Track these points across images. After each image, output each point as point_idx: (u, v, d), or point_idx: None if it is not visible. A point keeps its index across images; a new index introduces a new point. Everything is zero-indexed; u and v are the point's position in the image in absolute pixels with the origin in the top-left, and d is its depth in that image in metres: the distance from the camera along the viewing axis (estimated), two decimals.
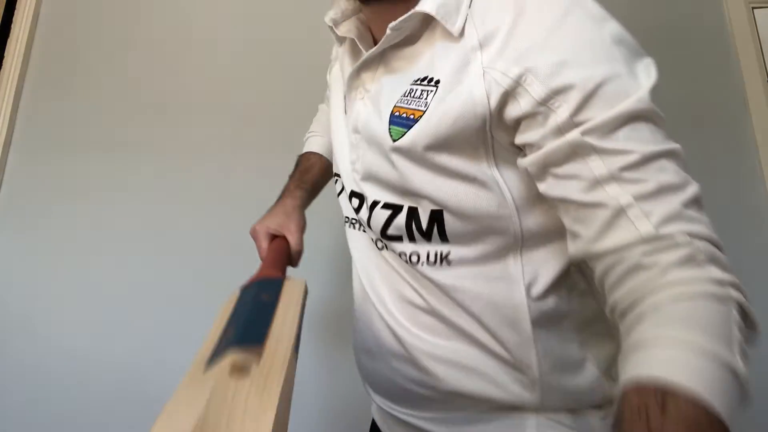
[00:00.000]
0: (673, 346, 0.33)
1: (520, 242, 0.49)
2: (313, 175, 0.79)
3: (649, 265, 0.37)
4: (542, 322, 0.50)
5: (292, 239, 0.68)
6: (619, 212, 0.38)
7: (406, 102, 0.50)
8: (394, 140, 0.49)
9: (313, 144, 0.83)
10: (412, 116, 0.48)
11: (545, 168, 0.43)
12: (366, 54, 0.55)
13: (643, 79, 0.41)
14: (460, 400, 0.53)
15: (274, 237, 0.69)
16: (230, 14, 1.36)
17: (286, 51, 1.31)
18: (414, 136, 0.48)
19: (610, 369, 0.52)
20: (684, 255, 0.37)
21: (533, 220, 0.48)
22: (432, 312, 0.53)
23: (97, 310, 1.18)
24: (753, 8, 1.36)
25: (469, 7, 0.48)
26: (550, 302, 0.50)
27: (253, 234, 0.71)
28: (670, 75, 1.33)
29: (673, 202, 0.39)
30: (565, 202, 0.42)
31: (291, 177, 0.80)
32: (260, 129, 1.27)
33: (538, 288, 0.49)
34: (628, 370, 0.34)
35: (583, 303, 0.52)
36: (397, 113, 0.50)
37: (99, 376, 1.14)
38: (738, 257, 1.37)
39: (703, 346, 0.32)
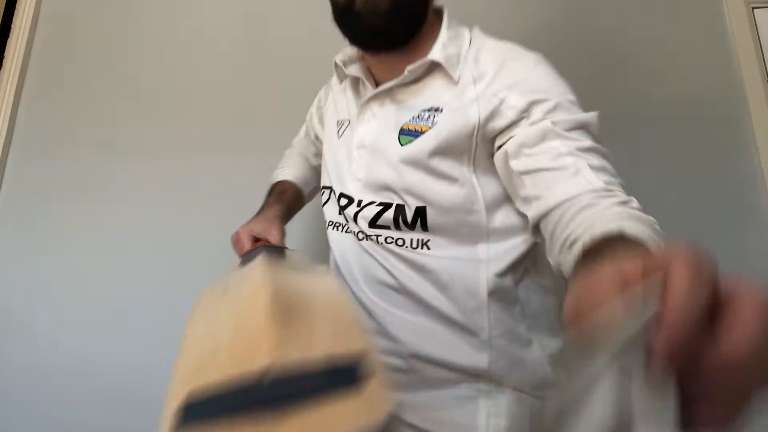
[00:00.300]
0: (615, 219, 0.45)
1: (487, 235, 0.62)
2: (289, 197, 0.88)
3: (597, 204, 0.48)
4: (497, 295, 0.62)
5: (275, 242, 0.73)
6: (577, 172, 0.52)
7: (414, 122, 0.65)
8: (402, 146, 0.64)
9: (286, 174, 0.93)
10: (420, 130, 0.64)
11: (520, 148, 0.57)
12: (378, 88, 0.69)
13: (582, 110, 0.59)
14: (421, 365, 0.62)
15: (257, 240, 0.74)
16: (230, 14, 1.36)
17: (286, 51, 1.31)
18: (420, 143, 0.63)
19: (551, 357, 0.64)
20: (622, 200, 0.49)
21: (498, 218, 0.63)
22: (402, 290, 0.64)
23: (97, 310, 1.18)
24: (753, 8, 1.36)
25: (465, 56, 0.66)
26: (507, 282, 0.63)
27: (235, 237, 0.76)
28: (669, 75, 1.34)
29: (613, 176, 0.53)
30: (533, 172, 0.55)
31: (268, 196, 0.87)
32: (260, 129, 1.27)
33: (497, 267, 0.62)
34: (582, 239, 0.44)
35: (533, 297, 0.66)
36: (406, 128, 0.65)
37: (99, 376, 1.14)
38: (738, 257, 1.38)
39: (639, 216, 0.46)
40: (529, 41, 1.34)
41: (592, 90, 1.33)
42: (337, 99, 0.80)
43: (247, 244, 0.73)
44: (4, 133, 1.26)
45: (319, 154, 0.90)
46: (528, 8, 1.37)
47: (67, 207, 1.23)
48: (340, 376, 0.26)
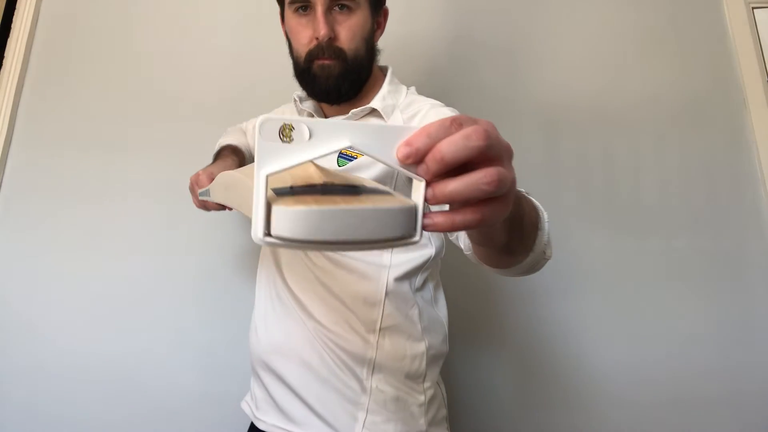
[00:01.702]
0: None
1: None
2: (242, 156, 0.92)
3: None
4: (393, 296, 0.74)
5: None
6: None
7: (351, 149, 0.69)
8: (339, 166, 0.75)
9: (231, 140, 0.98)
10: (355, 157, 0.75)
11: None
12: None
13: None
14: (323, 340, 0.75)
15: None
16: (231, 14, 1.36)
17: (286, 52, 1.31)
18: (353, 164, 0.74)
19: (436, 360, 0.78)
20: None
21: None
22: (322, 285, 0.76)
23: (97, 310, 1.18)
24: (753, 8, 1.36)
25: (399, 106, 0.80)
26: (404, 287, 0.75)
27: (195, 177, 0.78)
28: (670, 75, 1.34)
29: None
30: None
31: (221, 150, 0.92)
32: None
33: (397, 272, 0.74)
34: None
35: (428, 306, 0.79)
36: (344, 153, 0.74)
37: (99, 375, 1.14)
38: (738, 257, 1.37)
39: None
40: (528, 41, 1.35)
41: (592, 90, 1.33)
42: None
43: (206, 183, 0.75)
44: (4, 132, 1.26)
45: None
46: (529, 6, 1.37)
47: (67, 207, 1.23)
48: (375, 190, 0.33)
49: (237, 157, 0.90)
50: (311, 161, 0.31)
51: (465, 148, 0.29)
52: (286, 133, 0.30)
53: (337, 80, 0.77)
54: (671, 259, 1.23)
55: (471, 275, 1.14)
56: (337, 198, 0.30)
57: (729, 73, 1.33)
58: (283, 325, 0.79)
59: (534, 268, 0.54)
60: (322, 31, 0.74)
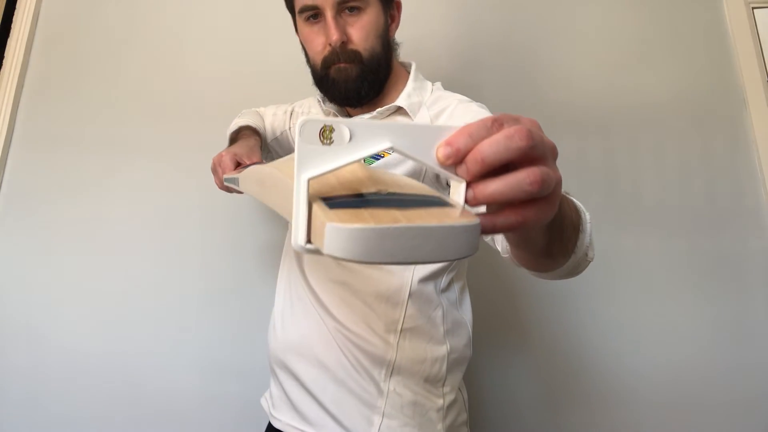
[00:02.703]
0: None
1: None
2: (262, 137, 0.90)
3: None
4: (416, 297, 0.73)
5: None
6: None
7: None
8: (367, 164, 0.74)
9: (248, 121, 0.95)
10: (382, 155, 0.71)
11: None
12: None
13: None
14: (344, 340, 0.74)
15: (238, 164, 0.75)
16: (231, 15, 1.36)
17: (287, 52, 1.31)
18: (381, 162, 0.71)
19: (458, 364, 0.76)
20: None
21: None
22: (344, 284, 0.75)
23: (97, 310, 1.18)
24: (753, 8, 1.36)
25: (425, 103, 0.78)
26: (428, 288, 0.74)
27: (218, 158, 0.78)
28: (670, 75, 1.34)
29: None
30: None
31: (241, 130, 0.90)
32: None
33: (422, 273, 0.73)
34: None
35: (452, 308, 0.77)
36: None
37: (99, 376, 1.14)
38: (738, 257, 1.37)
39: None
40: (528, 41, 1.35)
41: (592, 90, 1.33)
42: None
43: (230, 166, 0.74)
44: (4, 133, 1.26)
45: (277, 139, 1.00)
46: (529, 7, 1.37)
47: (67, 207, 1.23)
48: (436, 201, 0.30)
49: (259, 137, 0.88)
50: (358, 162, 0.30)
51: (507, 149, 0.28)
52: (326, 134, 0.29)
53: (356, 83, 0.76)
54: (671, 259, 1.23)
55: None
56: (396, 212, 0.27)
57: (729, 73, 1.33)
58: (301, 324, 0.78)
59: (575, 271, 0.53)
60: (334, 36, 0.74)
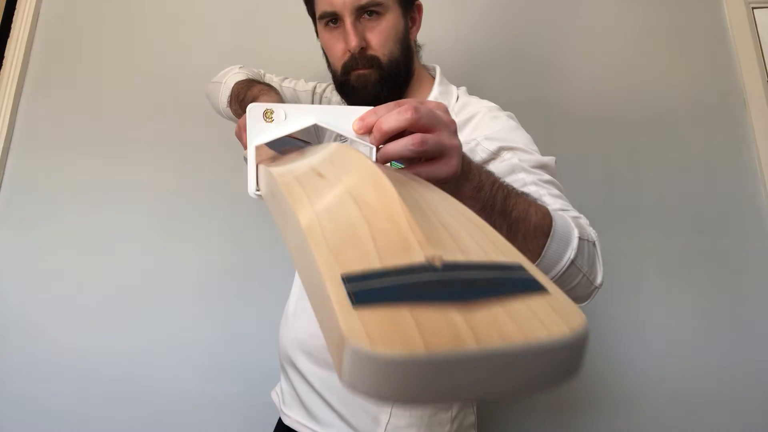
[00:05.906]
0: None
1: None
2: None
3: None
4: None
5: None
6: (539, 197, 0.60)
7: None
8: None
9: (261, 80, 0.92)
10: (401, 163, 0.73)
11: None
12: None
13: (539, 153, 0.71)
14: None
15: None
16: (231, 15, 1.36)
17: (287, 51, 1.31)
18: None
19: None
20: (573, 215, 0.59)
21: None
22: None
23: (97, 310, 1.18)
24: (753, 8, 1.36)
25: (452, 109, 0.78)
26: None
27: (243, 123, 0.74)
28: (670, 75, 1.34)
29: (567, 204, 0.64)
30: None
31: (252, 84, 0.84)
32: None
33: None
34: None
35: None
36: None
37: (99, 376, 1.14)
38: (738, 257, 1.37)
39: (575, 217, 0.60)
40: (528, 42, 1.35)
41: (592, 89, 1.33)
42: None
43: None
44: (4, 133, 1.26)
45: None
46: (529, 8, 1.37)
47: (67, 207, 1.23)
48: (516, 281, 0.21)
49: (277, 95, 0.82)
50: (397, 201, 0.26)
51: (397, 120, 0.38)
52: (268, 115, 0.40)
53: (375, 88, 0.77)
54: (671, 259, 1.23)
55: None
56: (455, 315, 0.18)
57: (729, 73, 1.33)
58: (310, 322, 0.78)
59: (566, 283, 0.53)
60: (353, 42, 0.74)
